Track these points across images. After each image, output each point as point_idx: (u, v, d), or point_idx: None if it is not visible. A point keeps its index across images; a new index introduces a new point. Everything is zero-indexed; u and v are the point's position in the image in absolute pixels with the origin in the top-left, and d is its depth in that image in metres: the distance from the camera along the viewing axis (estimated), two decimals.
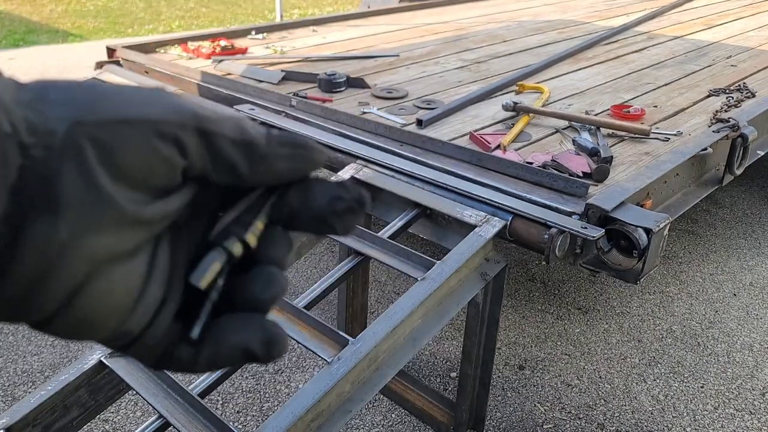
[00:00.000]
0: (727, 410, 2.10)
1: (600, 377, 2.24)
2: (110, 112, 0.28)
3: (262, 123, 2.09)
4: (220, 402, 2.09)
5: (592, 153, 1.78)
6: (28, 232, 0.27)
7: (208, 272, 0.32)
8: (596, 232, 1.43)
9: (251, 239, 0.33)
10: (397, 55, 2.89)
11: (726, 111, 2.18)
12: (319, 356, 1.31)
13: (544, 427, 2.03)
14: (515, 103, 2.13)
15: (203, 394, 1.35)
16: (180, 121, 0.30)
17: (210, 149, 0.31)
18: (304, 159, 0.34)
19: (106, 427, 1.97)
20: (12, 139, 0.26)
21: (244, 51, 2.86)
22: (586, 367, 2.29)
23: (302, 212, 0.35)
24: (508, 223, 1.54)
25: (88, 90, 0.29)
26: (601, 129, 1.98)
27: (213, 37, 2.98)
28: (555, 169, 1.70)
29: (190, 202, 0.32)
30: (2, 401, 2.06)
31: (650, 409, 2.11)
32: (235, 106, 2.18)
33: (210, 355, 0.33)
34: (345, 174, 1.79)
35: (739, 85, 2.49)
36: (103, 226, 0.28)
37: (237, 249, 0.33)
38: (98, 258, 0.29)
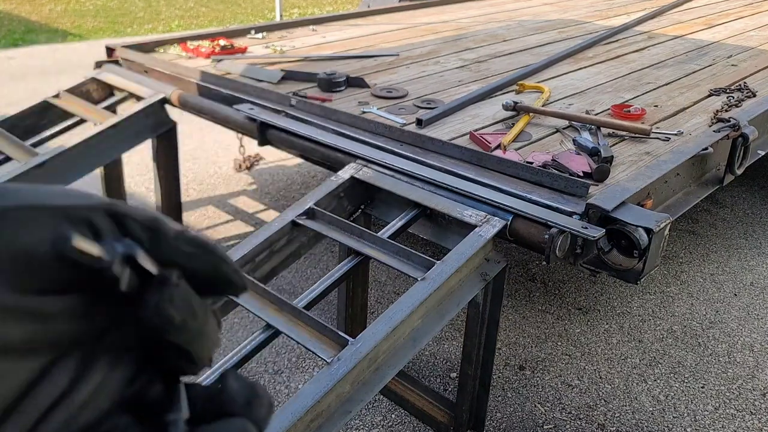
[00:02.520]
0: (727, 410, 2.10)
1: (600, 377, 2.23)
2: (17, 200, 0.28)
3: (262, 123, 2.08)
4: None
5: (593, 153, 1.78)
6: None
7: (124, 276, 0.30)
8: (597, 232, 1.42)
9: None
10: (397, 55, 2.88)
11: (726, 111, 2.18)
12: (319, 356, 1.31)
13: (545, 427, 2.03)
14: (515, 103, 2.12)
15: None
16: (90, 205, 0.29)
17: (122, 230, 0.30)
18: (208, 263, 0.33)
19: None
20: None
21: (243, 50, 2.85)
22: (586, 367, 2.28)
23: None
24: (509, 223, 1.54)
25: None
26: (602, 129, 1.98)
27: (212, 36, 2.97)
28: (555, 168, 1.70)
29: (101, 310, 0.30)
30: None
31: (651, 409, 2.10)
32: (234, 106, 2.18)
33: None
34: (345, 174, 1.79)
35: (740, 85, 2.48)
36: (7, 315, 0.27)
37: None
38: None
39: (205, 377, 1.37)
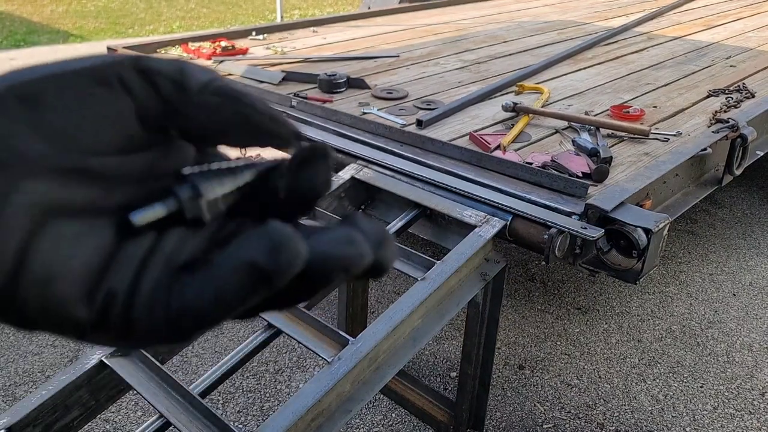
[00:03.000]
0: (726, 410, 2.11)
1: (600, 377, 2.24)
2: (43, 71, 0.27)
3: None
4: (221, 402, 2.09)
5: (592, 153, 1.79)
6: None
7: (149, 214, 0.29)
8: (596, 232, 1.43)
9: (211, 197, 0.30)
10: (398, 56, 2.89)
11: (725, 111, 2.19)
12: (320, 356, 1.32)
13: (544, 426, 2.03)
14: (515, 104, 2.13)
15: (204, 394, 1.35)
16: (116, 62, 0.28)
17: (153, 87, 0.29)
18: (237, 114, 0.31)
19: (107, 426, 1.98)
20: None
21: (244, 51, 2.86)
22: (585, 366, 2.29)
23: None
24: (508, 223, 1.55)
25: (18, 69, 0.27)
26: (601, 129, 1.98)
27: (214, 37, 2.98)
28: (555, 169, 1.71)
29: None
30: (3, 401, 2.07)
31: (650, 408, 2.11)
32: None
33: (214, 286, 0.27)
34: (345, 174, 1.80)
35: (739, 86, 2.49)
36: (37, 174, 0.26)
37: (186, 195, 0.30)
38: (39, 206, 0.26)
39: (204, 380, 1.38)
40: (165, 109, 0.29)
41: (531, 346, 2.38)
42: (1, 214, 0.25)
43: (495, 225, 1.55)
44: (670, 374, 2.26)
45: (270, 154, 0.35)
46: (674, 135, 1.98)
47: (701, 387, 2.21)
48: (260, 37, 3.19)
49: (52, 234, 0.26)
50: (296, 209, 0.32)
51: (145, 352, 1.34)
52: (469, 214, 1.59)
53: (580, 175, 1.68)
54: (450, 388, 2.16)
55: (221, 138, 0.32)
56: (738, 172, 2.02)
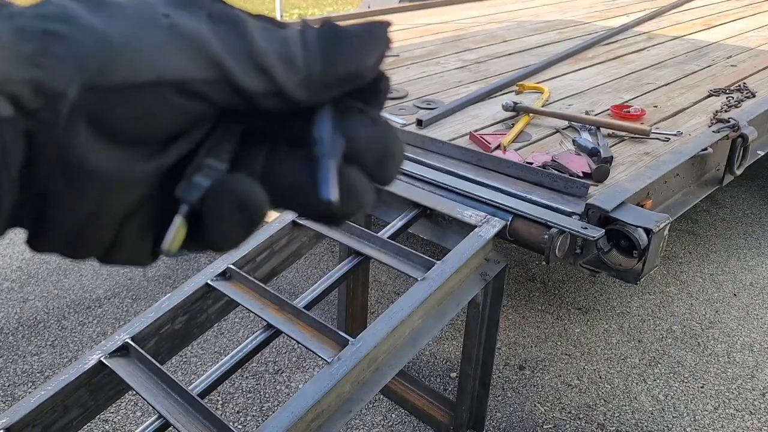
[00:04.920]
0: (727, 410, 2.10)
1: (600, 377, 2.24)
2: (124, 76, 0.25)
3: None
4: (220, 402, 2.09)
5: (592, 153, 1.78)
6: (57, 194, 0.26)
7: (174, 237, 0.29)
8: (596, 233, 1.43)
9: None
10: (397, 55, 2.89)
11: (726, 111, 2.18)
12: (319, 356, 1.31)
13: (544, 427, 2.03)
14: (515, 103, 2.12)
15: (203, 394, 1.35)
16: (205, 78, 0.27)
17: (242, 100, 0.28)
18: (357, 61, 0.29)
19: (106, 427, 1.97)
20: (12, 124, 0.24)
21: None
22: (586, 367, 2.29)
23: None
24: (508, 223, 1.54)
25: (98, 45, 0.25)
26: (601, 129, 1.98)
27: None
28: (555, 169, 1.70)
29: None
30: (2, 401, 2.06)
31: (650, 409, 2.11)
32: None
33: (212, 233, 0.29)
34: None
35: (739, 86, 2.49)
36: (130, 183, 0.27)
37: (222, 167, 0.30)
38: (129, 211, 0.28)
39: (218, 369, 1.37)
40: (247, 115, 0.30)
41: (531, 347, 2.38)
42: (95, 223, 0.28)
43: (495, 225, 1.54)
44: (671, 374, 2.26)
45: None
46: (675, 135, 1.97)
47: (702, 387, 2.20)
48: None
49: (133, 222, 0.29)
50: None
51: (144, 352, 1.34)
52: (469, 214, 1.59)
53: (581, 174, 1.68)
54: (450, 389, 2.16)
55: None
56: (739, 172, 2.01)
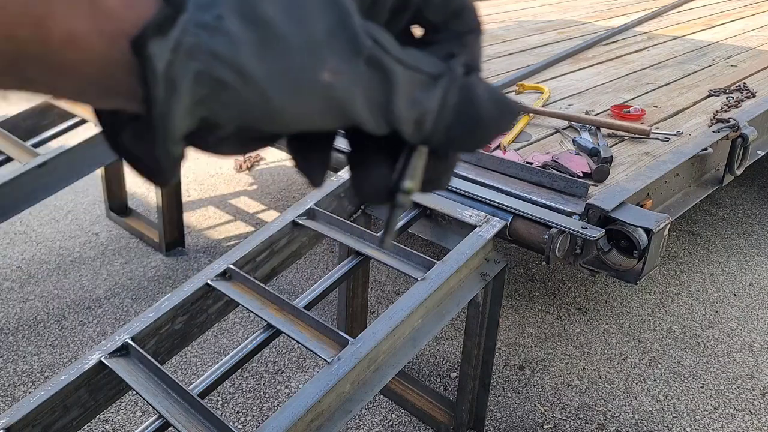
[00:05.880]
0: (727, 410, 2.10)
1: (600, 377, 2.24)
2: (277, 127, 0.30)
3: None
4: (220, 402, 2.09)
5: (592, 153, 1.78)
6: None
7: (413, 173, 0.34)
8: (596, 233, 1.43)
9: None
10: None
11: (726, 111, 2.18)
12: (319, 356, 1.31)
13: (544, 427, 2.03)
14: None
15: (203, 394, 1.35)
16: (338, 127, 0.32)
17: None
18: None
19: (106, 427, 1.97)
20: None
21: None
22: (586, 367, 2.29)
23: None
24: (508, 223, 1.54)
25: (260, 104, 0.29)
26: (601, 129, 1.98)
27: None
28: (555, 169, 1.70)
29: None
30: (2, 401, 2.06)
31: (650, 409, 2.11)
32: None
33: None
34: (345, 174, 1.79)
35: (739, 86, 2.49)
36: None
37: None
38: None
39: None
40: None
41: (531, 347, 2.38)
42: None
43: (495, 225, 1.54)
44: (671, 374, 2.26)
45: None
46: (675, 135, 1.97)
47: (702, 387, 2.20)
48: None
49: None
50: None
51: (144, 352, 1.34)
52: (469, 214, 1.59)
53: (581, 174, 1.68)
54: (450, 389, 2.16)
55: None
56: (739, 172, 2.01)
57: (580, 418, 2.06)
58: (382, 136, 0.32)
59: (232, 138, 0.30)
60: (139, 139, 0.29)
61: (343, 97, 0.29)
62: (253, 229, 3.09)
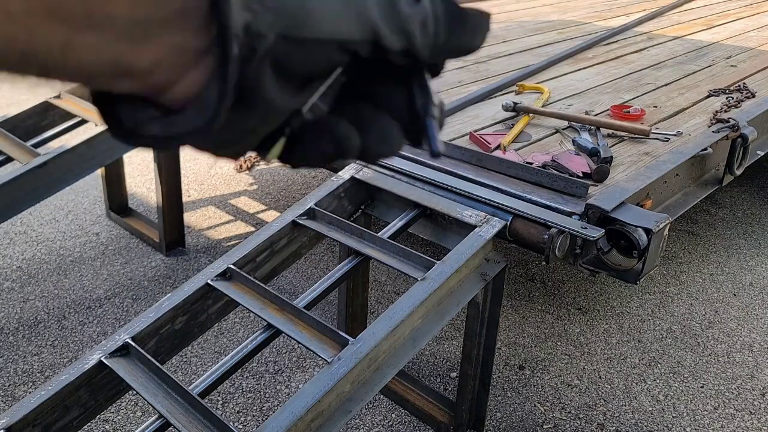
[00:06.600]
0: (727, 410, 2.11)
1: (600, 377, 2.24)
2: (310, 33, 0.32)
3: None
4: (221, 402, 2.09)
5: (592, 153, 1.79)
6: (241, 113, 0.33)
7: (275, 149, 0.37)
8: (596, 233, 1.43)
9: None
10: None
11: (726, 111, 2.18)
12: (319, 356, 1.31)
13: (544, 427, 2.03)
14: (515, 104, 2.13)
15: (203, 394, 1.35)
16: (362, 39, 0.34)
17: (380, 55, 0.35)
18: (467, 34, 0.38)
19: (107, 427, 1.97)
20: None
21: None
22: (586, 367, 2.29)
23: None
24: (508, 223, 1.55)
25: (298, 3, 0.31)
26: (601, 129, 1.98)
27: None
28: (555, 169, 1.70)
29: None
30: (2, 401, 2.07)
31: (650, 409, 2.11)
32: None
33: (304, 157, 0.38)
34: (345, 174, 1.79)
35: (739, 86, 2.49)
36: (284, 113, 0.34)
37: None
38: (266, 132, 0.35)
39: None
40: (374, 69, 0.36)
41: (531, 347, 2.38)
42: (267, 119, 0.34)
43: (495, 225, 1.55)
44: (671, 374, 2.26)
45: None
46: (675, 135, 1.98)
47: (702, 387, 2.21)
48: None
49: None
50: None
51: (144, 352, 1.34)
52: (469, 214, 1.59)
53: (581, 175, 1.68)
54: (450, 389, 2.16)
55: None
56: (738, 172, 2.01)
57: (580, 418, 2.06)
58: (389, 67, 0.36)
59: (268, 72, 0.32)
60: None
61: (359, 2, 0.33)
62: (253, 229, 3.09)
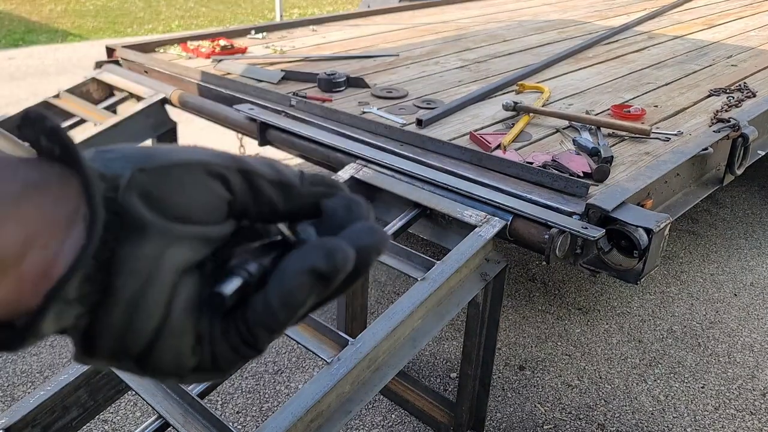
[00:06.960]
0: (727, 410, 2.10)
1: (600, 378, 2.23)
2: (164, 160, 0.33)
3: (262, 123, 2.08)
4: (220, 402, 2.08)
5: (593, 153, 1.78)
6: (123, 252, 0.31)
7: (232, 285, 0.35)
8: (596, 232, 1.43)
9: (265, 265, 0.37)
10: (397, 55, 2.88)
11: (726, 111, 2.18)
12: (319, 357, 1.31)
13: (545, 427, 2.03)
14: (515, 103, 2.12)
15: (203, 395, 1.35)
16: (223, 163, 0.35)
17: (251, 187, 0.36)
18: (339, 198, 0.39)
19: (106, 427, 1.97)
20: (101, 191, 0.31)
21: (243, 51, 2.85)
22: (586, 367, 2.28)
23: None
24: (509, 223, 1.54)
25: (139, 148, 0.34)
26: (602, 129, 1.98)
27: (212, 36, 2.97)
28: (555, 169, 1.70)
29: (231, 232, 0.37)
30: (2, 401, 2.06)
31: (651, 409, 2.10)
32: (234, 106, 2.18)
33: (279, 292, 0.34)
34: (345, 174, 1.79)
35: (740, 85, 2.48)
36: (181, 240, 0.33)
37: (254, 270, 0.36)
38: (180, 267, 0.33)
39: None
40: (258, 205, 0.36)
41: (531, 347, 2.38)
42: (153, 274, 0.31)
43: (495, 225, 1.54)
44: (671, 375, 2.26)
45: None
46: (675, 134, 1.97)
47: (702, 387, 2.20)
48: (259, 36, 3.18)
49: (183, 290, 0.33)
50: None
51: None
52: (469, 214, 1.58)
53: (581, 174, 1.68)
54: (450, 389, 2.15)
55: (305, 217, 0.39)
56: (739, 172, 2.01)
57: (580, 419, 2.06)
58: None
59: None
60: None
61: (212, 153, 0.36)
62: None
